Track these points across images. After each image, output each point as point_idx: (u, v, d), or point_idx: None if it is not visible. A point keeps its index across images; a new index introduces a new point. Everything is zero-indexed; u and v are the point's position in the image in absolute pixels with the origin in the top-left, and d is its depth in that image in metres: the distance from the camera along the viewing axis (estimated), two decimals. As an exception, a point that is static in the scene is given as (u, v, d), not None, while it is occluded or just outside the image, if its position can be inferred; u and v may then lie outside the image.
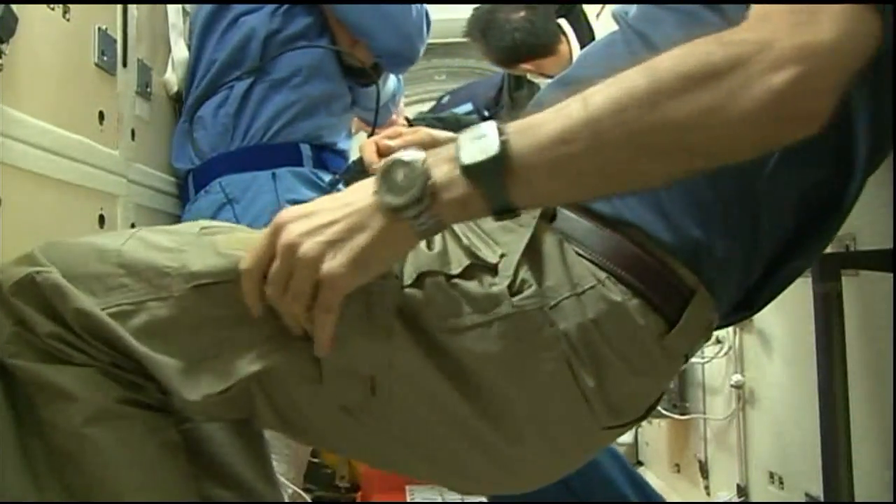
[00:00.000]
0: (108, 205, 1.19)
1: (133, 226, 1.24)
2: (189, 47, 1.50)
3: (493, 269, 0.66)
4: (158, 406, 0.69)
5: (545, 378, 0.65)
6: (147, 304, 0.66)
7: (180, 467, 0.71)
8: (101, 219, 1.16)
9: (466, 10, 2.17)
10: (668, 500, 1.39)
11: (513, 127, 0.56)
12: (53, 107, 1.03)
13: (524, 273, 0.65)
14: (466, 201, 0.56)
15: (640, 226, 0.66)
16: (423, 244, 0.67)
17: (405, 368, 0.65)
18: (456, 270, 0.66)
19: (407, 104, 2.08)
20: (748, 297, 0.75)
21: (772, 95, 0.50)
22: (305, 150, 1.43)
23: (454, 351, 0.65)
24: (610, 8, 1.37)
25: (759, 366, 1.54)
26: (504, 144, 0.55)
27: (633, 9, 0.77)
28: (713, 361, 1.71)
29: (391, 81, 1.67)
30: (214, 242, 0.69)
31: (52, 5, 1.03)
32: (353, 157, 1.52)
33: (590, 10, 2.15)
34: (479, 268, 0.66)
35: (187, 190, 1.45)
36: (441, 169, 0.57)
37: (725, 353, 1.65)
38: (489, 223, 0.68)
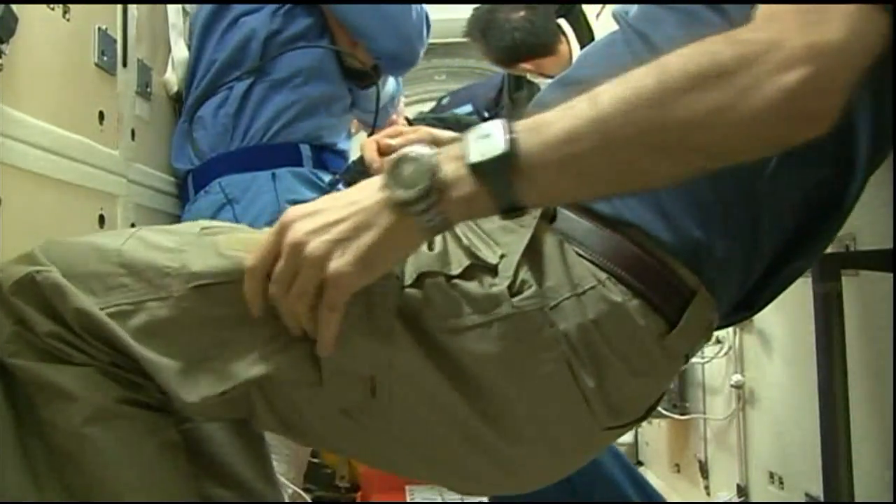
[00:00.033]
0: (108, 205, 1.19)
1: (133, 226, 1.24)
2: (189, 47, 1.50)
3: (493, 270, 0.66)
4: (158, 405, 0.68)
5: (545, 379, 0.65)
6: (147, 304, 0.66)
7: (180, 467, 0.71)
8: (101, 219, 1.16)
9: (466, 10, 2.17)
10: (668, 500, 1.39)
11: (520, 125, 0.56)
12: (53, 107, 1.03)
13: (524, 274, 0.65)
14: (473, 199, 0.56)
15: (641, 226, 0.66)
16: (423, 244, 0.67)
17: (405, 369, 0.65)
18: (456, 271, 0.66)
19: (407, 104, 2.08)
20: (749, 297, 0.75)
21: (782, 95, 0.50)
22: (305, 150, 1.43)
23: (454, 351, 0.65)
24: (610, 8, 1.37)
25: (759, 366, 1.54)
26: (511, 143, 0.55)
27: (633, 9, 0.77)
28: (713, 361, 1.71)
29: (390, 84, 1.67)
30: (215, 243, 0.69)
31: (52, 5, 1.03)
32: (353, 157, 1.52)
33: (590, 10, 2.15)
34: (479, 268, 0.66)
35: (187, 190, 1.45)
36: (449, 166, 0.57)
37: (725, 353, 1.65)
38: (489, 223, 0.68)
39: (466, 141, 0.57)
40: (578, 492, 0.78)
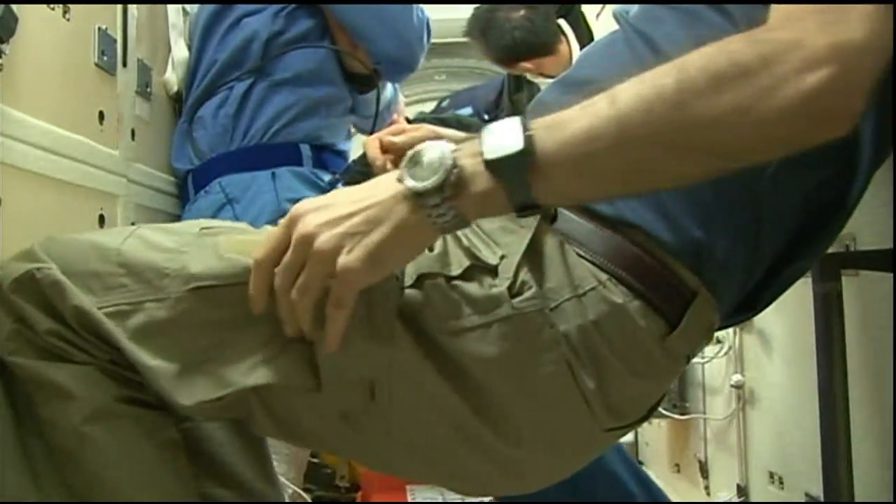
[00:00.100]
0: (108, 205, 1.19)
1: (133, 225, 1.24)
2: (189, 47, 1.50)
3: (493, 271, 0.65)
4: (158, 404, 0.68)
5: (545, 380, 0.64)
6: (145, 304, 0.66)
7: (180, 466, 0.71)
8: (101, 219, 1.16)
9: (466, 10, 2.17)
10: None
11: (538, 123, 0.55)
12: (53, 107, 1.03)
13: (524, 275, 0.65)
14: (488, 196, 0.56)
15: (642, 226, 0.66)
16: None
17: (405, 370, 0.65)
18: (456, 272, 0.66)
19: (407, 104, 2.08)
20: (750, 297, 0.75)
21: (804, 95, 0.50)
22: (305, 150, 1.43)
23: (454, 353, 0.65)
24: (610, 8, 1.37)
25: (759, 366, 1.54)
26: (529, 140, 0.54)
27: (633, 8, 0.77)
28: (713, 361, 1.71)
29: (388, 90, 1.67)
30: (215, 244, 0.69)
31: (52, 5, 1.03)
32: (353, 158, 1.52)
33: (590, 10, 2.16)
34: (479, 269, 0.66)
35: (187, 190, 1.45)
36: (466, 162, 0.56)
37: (725, 353, 1.65)
38: (490, 224, 0.68)
39: (483, 137, 0.56)
40: (581, 487, 0.78)
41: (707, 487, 1.82)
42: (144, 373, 0.65)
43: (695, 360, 1.68)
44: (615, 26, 0.78)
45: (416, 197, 0.57)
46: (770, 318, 1.43)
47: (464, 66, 3.25)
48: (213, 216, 1.35)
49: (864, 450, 1.04)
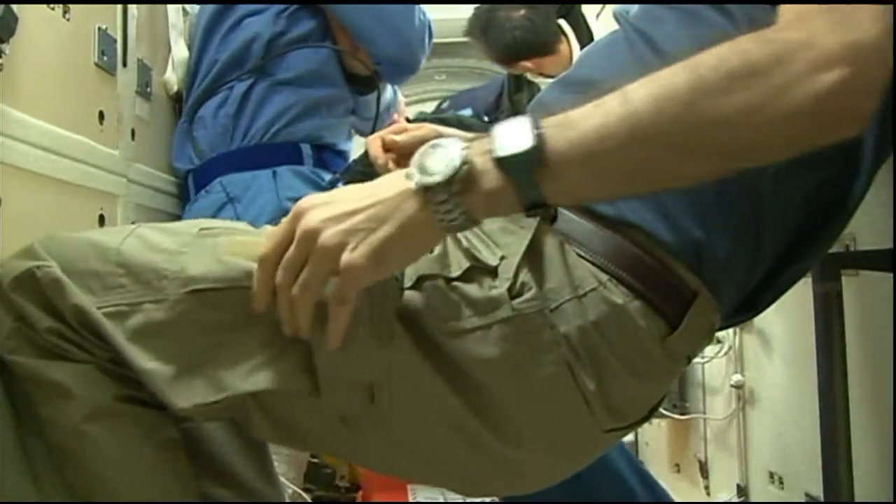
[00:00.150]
0: (108, 205, 1.19)
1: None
2: (189, 47, 1.50)
3: (493, 272, 0.65)
4: (157, 403, 0.68)
5: (545, 381, 0.64)
6: (143, 305, 0.66)
7: (179, 466, 0.71)
8: (101, 218, 1.16)
9: (466, 10, 2.17)
10: (668, 500, 1.39)
11: (549, 121, 0.55)
12: (53, 107, 1.03)
13: (524, 275, 0.65)
14: (497, 194, 0.55)
15: (642, 226, 0.66)
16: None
17: (404, 372, 0.65)
18: (455, 273, 0.66)
19: (407, 104, 2.08)
20: (751, 298, 0.75)
21: (817, 95, 0.50)
22: (306, 149, 1.44)
23: (454, 354, 0.64)
24: (610, 8, 1.37)
25: (759, 366, 1.54)
26: (539, 138, 0.54)
27: (633, 8, 0.77)
28: (713, 361, 1.71)
29: (388, 92, 1.67)
30: (214, 246, 0.68)
31: (52, 5, 1.03)
32: (354, 158, 1.52)
33: (590, 10, 2.16)
34: (479, 270, 0.66)
35: (187, 190, 1.45)
36: (475, 159, 0.56)
37: (725, 353, 1.65)
38: (489, 224, 0.68)
39: (493, 135, 0.56)
40: (584, 484, 0.78)
41: (707, 487, 1.82)
42: (141, 376, 0.65)
43: (695, 360, 1.68)
44: (615, 26, 0.78)
45: (424, 192, 0.56)
46: (770, 318, 1.43)
47: (464, 66, 3.25)
48: (214, 215, 1.35)
49: (864, 450, 1.04)
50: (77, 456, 0.66)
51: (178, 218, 1.45)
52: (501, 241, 0.67)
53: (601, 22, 2.12)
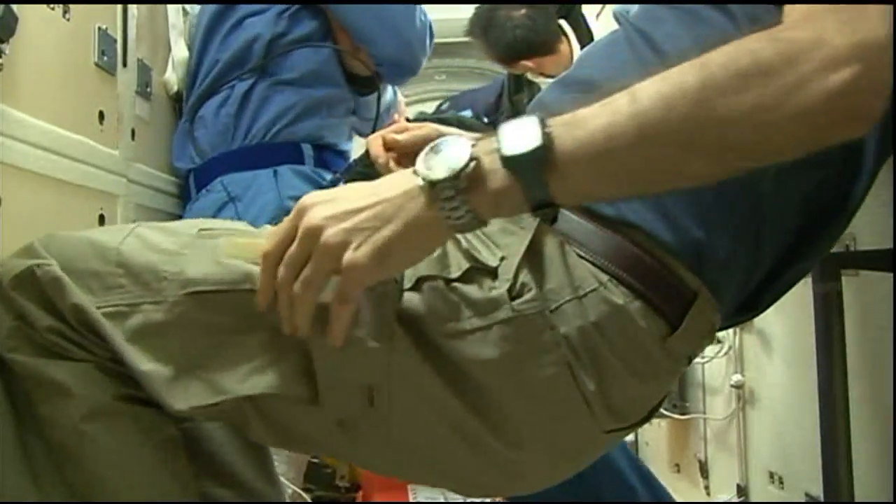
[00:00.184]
0: (108, 204, 1.19)
1: (133, 224, 1.24)
2: (189, 47, 1.50)
3: (493, 273, 0.65)
4: (157, 403, 0.68)
5: (545, 382, 0.64)
6: (142, 306, 0.66)
7: (179, 465, 0.71)
8: (101, 218, 1.16)
9: (466, 10, 2.17)
10: (668, 500, 1.39)
11: (557, 120, 0.54)
12: (53, 107, 1.03)
13: (524, 276, 0.65)
14: (504, 193, 0.55)
15: (642, 226, 0.66)
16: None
17: (404, 374, 0.64)
18: (455, 274, 0.65)
19: (407, 104, 2.08)
20: (752, 298, 0.75)
21: (828, 94, 0.49)
22: (307, 149, 1.44)
23: (453, 355, 0.64)
24: (610, 8, 1.37)
25: (759, 366, 1.54)
26: (547, 136, 0.53)
27: (633, 8, 0.77)
28: (713, 361, 1.71)
29: (388, 93, 1.67)
30: (214, 247, 0.68)
31: (52, 5, 1.03)
32: (354, 158, 1.52)
33: (590, 10, 2.16)
34: (478, 271, 0.65)
35: (188, 189, 1.45)
36: (483, 158, 0.55)
37: (725, 353, 1.65)
38: (490, 225, 0.68)
39: (501, 134, 0.55)
40: (585, 481, 0.78)
41: (707, 487, 1.82)
42: (139, 376, 0.65)
43: (695, 360, 1.68)
44: (615, 26, 0.78)
45: (430, 189, 0.55)
46: (770, 318, 1.43)
47: (464, 66, 3.26)
48: (215, 215, 1.35)
49: (864, 450, 1.04)
50: (77, 455, 0.66)
51: (179, 218, 1.45)
52: (501, 241, 0.67)
53: (601, 22, 2.12)
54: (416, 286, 0.66)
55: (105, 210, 1.17)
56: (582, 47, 2.00)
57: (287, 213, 0.61)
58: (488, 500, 1.26)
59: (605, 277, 0.65)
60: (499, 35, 2.05)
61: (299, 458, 1.55)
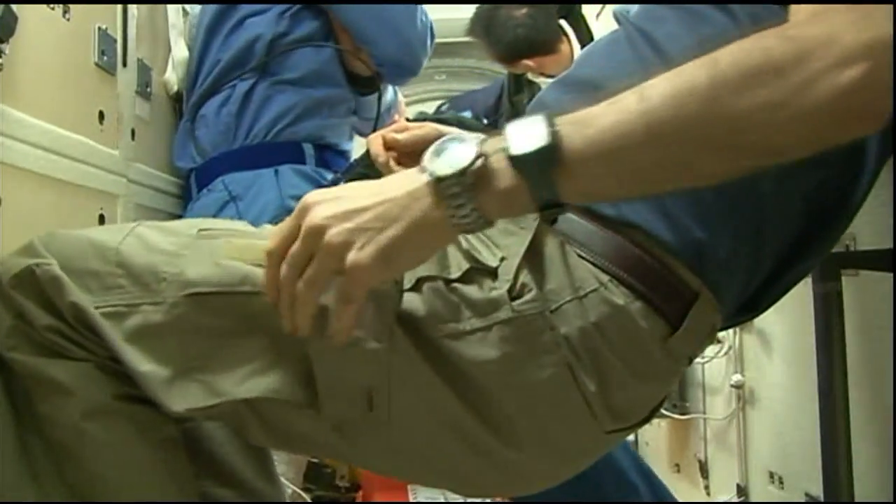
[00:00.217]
0: (108, 204, 1.19)
1: (133, 224, 1.24)
2: (189, 47, 1.50)
3: (493, 273, 0.65)
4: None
5: (546, 382, 0.64)
6: (141, 307, 0.66)
7: (178, 464, 0.71)
8: (102, 218, 1.16)
9: (466, 10, 2.17)
10: (669, 500, 1.39)
11: (564, 119, 0.54)
12: (53, 107, 1.03)
13: (525, 277, 0.64)
14: (511, 193, 0.54)
15: (643, 226, 0.66)
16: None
17: (404, 375, 0.64)
18: (455, 275, 0.65)
19: (407, 104, 2.08)
20: (753, 298, 0.74)
21: (840, 91, 0.49)
22: (308, 149, 1.44)
23: (453, 356, 0.64)
24: (610, 8, 1.37)
25: (759, 366, 1.54)
26: (555, 135, 0.53)
27: (633, 8, 0.77)
28: (713, 361, 1.71)
29: (388, 93, 1.67)
30: (213, 249, 0.68)
31: (52, 5, 1.03)
32: (355, 158, 1.52)
33: (590, 10, 2.16)
34: (478, 272, 0.65)
35: (189, 189, 1.45)
36: (490, 156, 0.54)
37: (725, 353, 1.65)
38: None
39: (507, 133, 0.54)
40: (586, 478, 0.78)
41: (707, 487, 1.81)
42: (136, 378, 0.65)
43: (695, 360, 1.68)
44: (615, 26, 0.78)
45: (436, 184, 0.54)
46: (770, 318, 1.43)
47: (464, 66, 3.26)
48: (216, 214, 1.35)
49: (863, 450, 1.04)
50: (76, 454, 0.66)
51: (179, 218, 1.45)
52: (501, 242, 0.67)
53: (601, 22, 2.12)
54: (416, 286, 0.66)
55: (105, 210, 1.17)
56: (582, 47, 2.00)
57: (288, 212, 0.61)
58: (489, 500, 1.26)
59: (605, 278, 0.65)
60: (500, 34, 2.05)
61: (299, 458, 1.55)
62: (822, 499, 1.14)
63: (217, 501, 0.76)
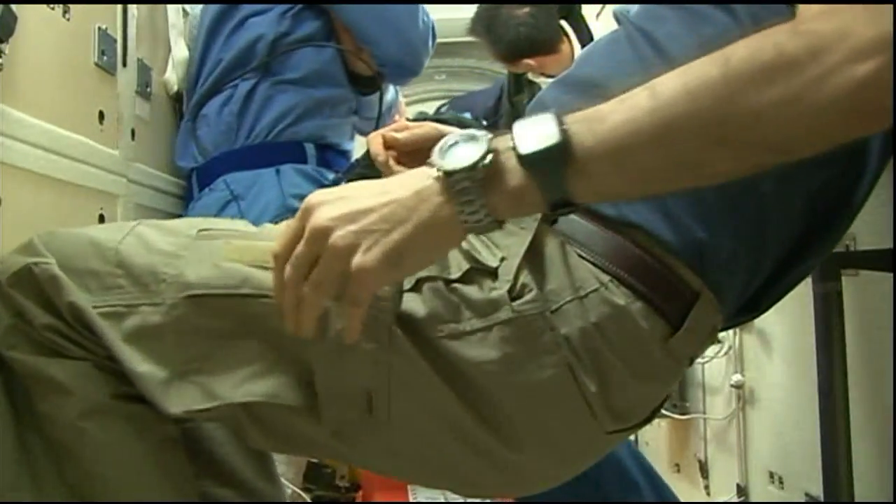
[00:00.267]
0: (108, 204, 1.19)
1: (133, 224, 1.24)
2: (189, 47, 1.50)
3: (493, 274, 0.65)
4: None
5: (546, 383, 0.64)
6: (140, 308, 0.66)
7: (177, 464, 0.71)
8: (101, 218, 1.16)
9: (466, 10, 2.17)
10: (669, 500, 1.39)
11: (574, 116, 0.53)
12: (53, 107, 1.03)
13: (525, 277, 0.64)
14: (521, 192, 0.53)
15: (644, 226, 0.65)
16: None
17: (404, 376, 0.64)
18: (455, 275, 0.65)
19: (407, 104, 2.08)
20: (754, 298, 0.74)
21: (855, 85, 0.48)
22: (310, 149, 1.44)
23: (453, 356, 0.64)
24: (610, 8, 1.37)
25: (759, 366, 1.54)
26: (565, 133, 0.52)
27: (633, 8, 0.77)
28: (713, 361, 1.71)
29: (390, 92, 1.67)
30: (212, 250, 0.68)
31: (52, 5, 1.03)
32: (356, 158, 1.52)
33: (590, 10, 2.16)
34: (479, 272, 0.65)
35: (191, 188, 1.46)
36: (500, 153, 0.54)
37: (725, 353, 1.65)
38: None
39: (516, 132, 0.54)
40: (588, 476, 0.78)
41: (707, 487, 1.81)
42: (133, 378, 0.65)
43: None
44: (615, 26, 0.78)
45: (446, 179, 0.53)
46: (770, 318, 1.43)
47: (464, 66, 3.25)
48: (218, 213, 1.36)
49: (863, 450, 1.04)
50: (76, 453, 0.66)
51: (180, 217, 1.45)
52: (502, 242, 0.67)
53: (601, 22, 2.12)
54: (416, 287, 0.65)
55: (105, 210, 1.17)
56: (582, 47, 2.00)
57: (290, 211, 0.61)
58: (489, 500, 1.26)
59: (606, 278, 0.64)
60: (502, 32, 2.05)
61: (299, 458, 1.55)
62: (822, 499, 1.14)
63: (217, 501, 0.76)
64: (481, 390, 0.64)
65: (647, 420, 0.72)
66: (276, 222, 0.78)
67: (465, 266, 0.65)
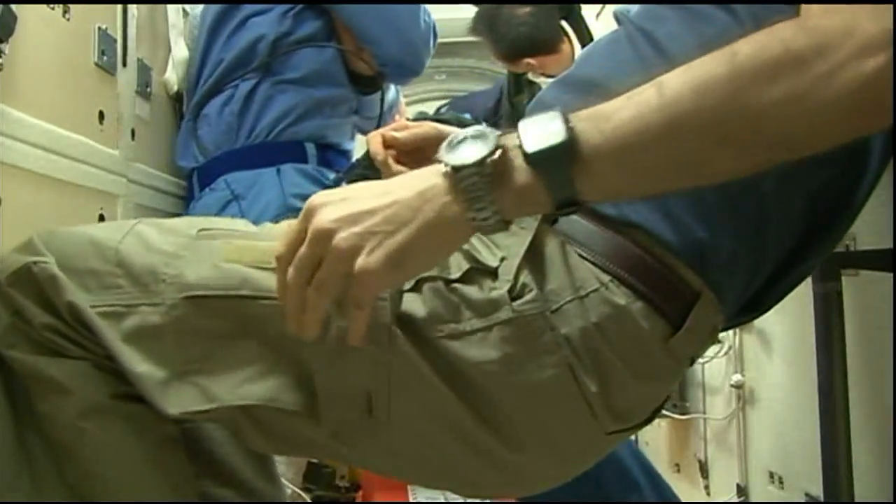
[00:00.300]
0: (108, 204, 1.19)
1: (133, 224, 1.24)
2: (189, 47, 1.50)
3: (493, 273, 0.65)
4: None
5: (547, 383, 0.63)
6: (139, 308, 0.66)
7: (176, 463, 0.71)
8: (101, 218, 1.16)
9: (467, 10, 2.17)
10: (669, 500, 1.39)
11: (580, 114, 0.53)
12: (53, 107, 1.03)
13: (525, 277, 0.64)
14: (528, 191, 0.52)
15: (644, 226, 0.65)
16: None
17: (403, 376, 0.64)
18: (455, 275, 0.65)
19: (407, 104, 2.09)
20: (755, 298, 0.74)
21: (863, 81, 0.48)
22: (310, 148, 1.44)
23: (453, 356, 0.64)
24: (610, 8, 1.37)
25: (759, 366, 1.54)
26: (572, 131, 0.51)
27: (634, 8, 0.77)
28: (713, 361, 1.71)
29: (391, 92, 1.67)
30: (212, 250, 0.68)
31: (52, 5, 1.03)
32: (356, 157, 1.52)
33: (590, 10, 2.16)
34: (479, 272, 0.65)
35: (191, 188, 1.46)
36: (508, 150, 0.53)
37: (725, 353, 1.65)
38: None
39: (522, 130, 0.53)
40: (588, 474, 0.78)
41: (707, 487, 1.81)
42: (132, 378, 0.65)
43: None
44: (615, 26, 0.78)
45: (454, 175, 0.53)
46: (770, 318, 1.43)
47: (464, 65, 3.26)
48: (219, 213, 1.36)
49: (863, 450, 1.04)
50: (76, 453, 0.66)
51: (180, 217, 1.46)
52: (502, 242, 0.66)
53: (601, 22, 2.12)
54: (416, 287, 0.65)
55: (105, 210, 1.17)
56: (582, 47, 2.00)
57: (290, 211, 0.60)
58: (489, 500, 1.26)
59: (606, 278, 0.64)
60: (503, 32, 2.05)
61: (299, 459, 1.55)
62: (822, 499, 1.14)
63: (217, 501, 0.76)
64: (481, 390, 0.64)
65: (648, 420, 0.72)
66: (277, 222, 0.78)
67: (466, 266, 0.65)
